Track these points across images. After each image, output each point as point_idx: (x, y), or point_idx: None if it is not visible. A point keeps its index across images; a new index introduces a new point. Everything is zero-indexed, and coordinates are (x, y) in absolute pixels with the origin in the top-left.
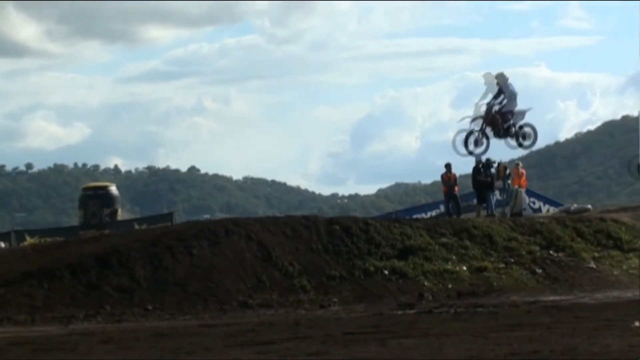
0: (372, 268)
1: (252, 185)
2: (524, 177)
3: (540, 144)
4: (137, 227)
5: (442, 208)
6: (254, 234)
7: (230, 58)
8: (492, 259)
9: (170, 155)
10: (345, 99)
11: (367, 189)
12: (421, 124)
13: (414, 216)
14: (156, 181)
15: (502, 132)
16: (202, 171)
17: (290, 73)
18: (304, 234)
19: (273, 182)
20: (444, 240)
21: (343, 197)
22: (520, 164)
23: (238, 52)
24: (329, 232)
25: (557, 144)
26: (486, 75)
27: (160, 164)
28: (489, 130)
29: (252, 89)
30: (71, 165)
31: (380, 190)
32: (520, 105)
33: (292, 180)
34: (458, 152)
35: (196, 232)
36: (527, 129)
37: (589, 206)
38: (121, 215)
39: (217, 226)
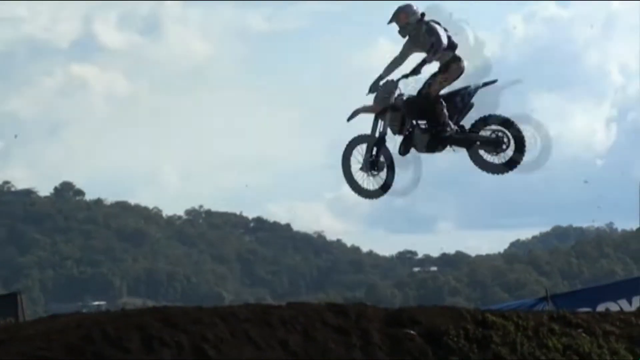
0: None
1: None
2: None
3: None
4: None
5: None
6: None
7: None
8: None
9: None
10: None
11: (486, 242)
12: (622, 84)
13: (599, 307)
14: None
15: (439, 138)
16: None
17: None
18: (332, 347)
19: (259, 219)
20: None
21: (426, 260)
22: None
23: None
24: (394, 340)
25: None
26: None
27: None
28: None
29: None
30: None
31: (516, 245)
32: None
33: (305, 223)
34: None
35: (96, 334)
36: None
37: None
38: None
39: (146, 318)
